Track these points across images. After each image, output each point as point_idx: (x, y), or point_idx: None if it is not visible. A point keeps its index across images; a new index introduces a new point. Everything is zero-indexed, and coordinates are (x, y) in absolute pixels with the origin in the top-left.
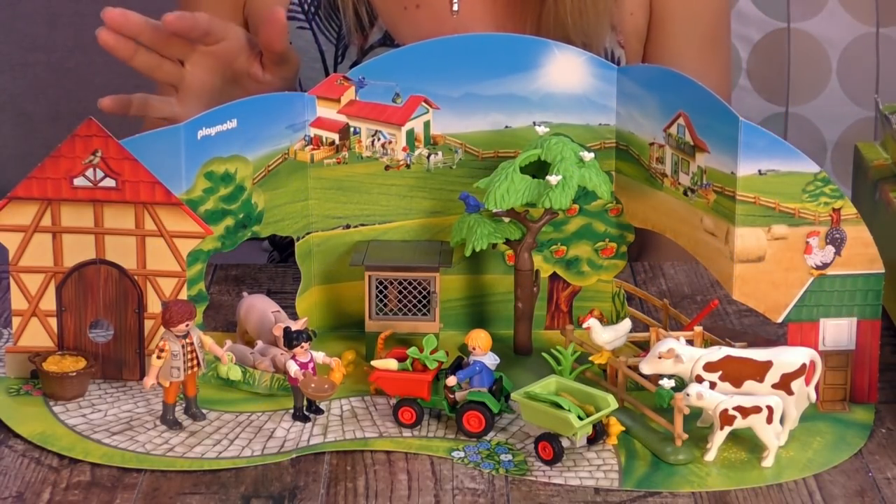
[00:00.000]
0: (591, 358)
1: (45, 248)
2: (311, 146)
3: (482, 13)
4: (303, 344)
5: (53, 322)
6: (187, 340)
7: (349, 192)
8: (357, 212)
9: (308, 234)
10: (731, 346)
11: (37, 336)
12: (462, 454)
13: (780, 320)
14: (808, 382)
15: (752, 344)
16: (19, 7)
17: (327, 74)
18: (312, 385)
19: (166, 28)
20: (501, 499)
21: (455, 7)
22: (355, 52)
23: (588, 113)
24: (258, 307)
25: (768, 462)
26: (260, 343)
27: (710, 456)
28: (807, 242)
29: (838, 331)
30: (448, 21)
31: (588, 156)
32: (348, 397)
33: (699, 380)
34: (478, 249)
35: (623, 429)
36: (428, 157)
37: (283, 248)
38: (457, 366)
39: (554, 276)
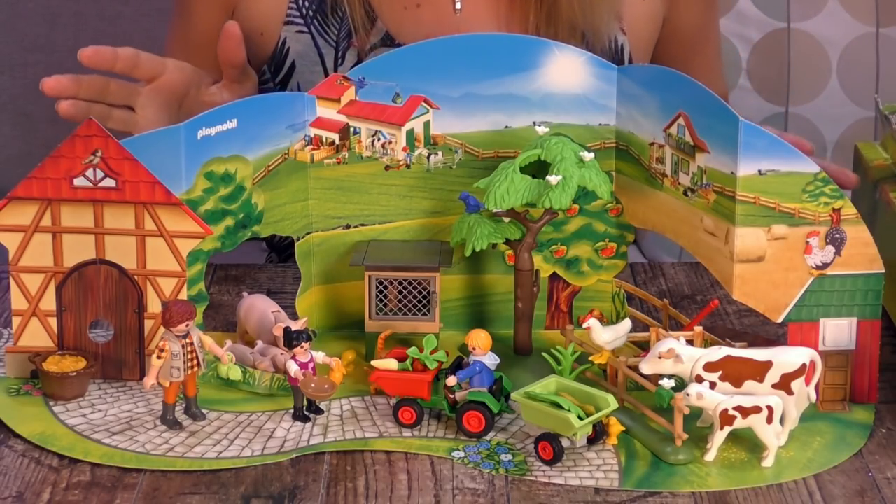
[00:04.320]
0: (591, 358)
1: (45, 248)
2: (311, 146)
3: (485, 10)
4: (303, 344)
5: (53, 322)
6: (187, 340)
7: (349, 192)
8: (357, 212)
9: (308, 234)
10: (731, 346)
11: (37, 336)
12: (462, 454)
13: (780, 320)
14: (808, 382)
15: (752, 344)
16: (19, 7)
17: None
18: (312, 385)
19: (83, 63)
20: (501, 499)
21: (458, 6)
22: (355, 55)
23: (588, 113)
24: (258, 307)
25: (768, 462)
26: (260, 343)
27: (710, 456)
28: (807, 242)
29: (838, 331)
30: (450, 20)
31: (588, 156)
32: (348, 397)
33: (699, 380)
34: (478, 249)
35: (623, 429)
36: (428, 157)
37: (281, 249)
38: (457, 366)
39: (554, 276)
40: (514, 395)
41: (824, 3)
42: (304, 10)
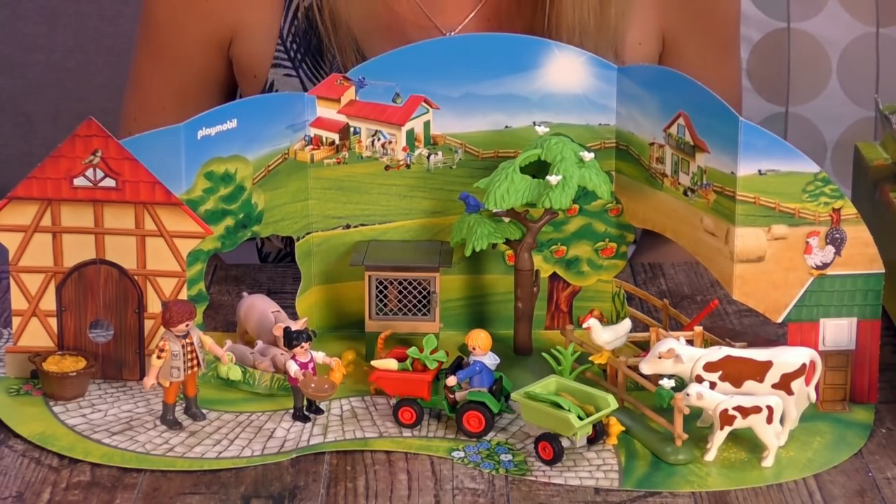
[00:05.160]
0: (591, 358)
1: (45, 248)
2: (311, 146)
3: None
4: (303, 344)
5: (53, 322)
6: (187, 340)
7: (349, 192)
8: (357, 212)
9: (308, 234)
10: (731, 346)
11: (37, 336)
12: (462, 454)
13: (780, 320)
14: (808, 382)
15: (752, 344)
16: (19, 7)
17: None
18: (312, 385)
19: None
20: (501, 499)
21: None
22: None
23: (588, 113)
24: (258, 307)
25: (768, 462)
26: (260, 343)
27: (710, 456)
28: (807, 242)
29: (838, 331)
30: None
31: (588, 156)
32: (348, 397)
33: (699, 380)
34: (478, 249)
35: (623, 429)
36: (428, 157)
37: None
38: (457, 366)
39: (554, 276)
40: (514, 395)
41: (824, 3)
42: (291, 53)
